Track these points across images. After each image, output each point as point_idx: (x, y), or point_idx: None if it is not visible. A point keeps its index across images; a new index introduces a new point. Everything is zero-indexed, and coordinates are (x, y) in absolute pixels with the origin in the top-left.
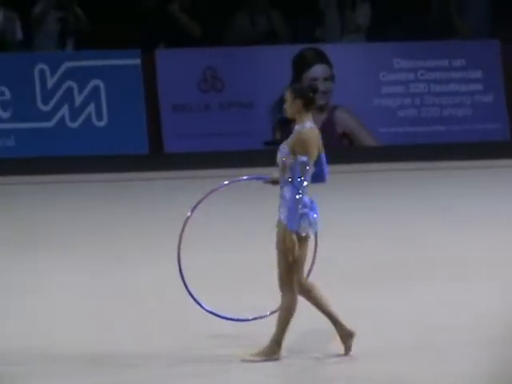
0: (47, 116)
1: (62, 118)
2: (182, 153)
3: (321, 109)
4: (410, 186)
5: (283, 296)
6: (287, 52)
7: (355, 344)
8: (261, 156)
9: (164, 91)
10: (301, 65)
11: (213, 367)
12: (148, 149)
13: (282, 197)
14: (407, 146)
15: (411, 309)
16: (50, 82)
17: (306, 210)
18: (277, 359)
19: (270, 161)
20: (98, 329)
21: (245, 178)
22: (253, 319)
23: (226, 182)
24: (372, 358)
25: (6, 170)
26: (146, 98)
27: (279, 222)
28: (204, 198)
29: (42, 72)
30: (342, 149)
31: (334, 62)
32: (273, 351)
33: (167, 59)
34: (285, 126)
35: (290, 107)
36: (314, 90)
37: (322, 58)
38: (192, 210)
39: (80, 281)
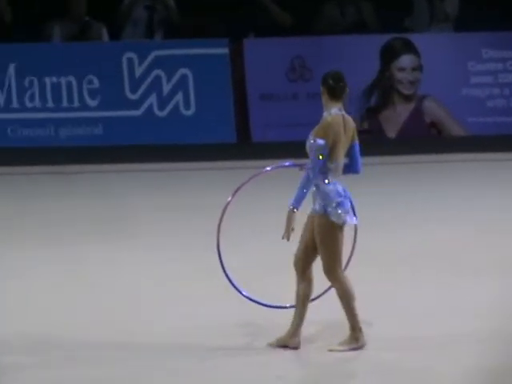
0: (135, 104)
1: (150, 107)
2: (270, 142)
3: (409, 98)
4: (498, 175)
5: (334, 286)
6: (375, 41)
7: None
8: None
9: (252, 80)
10: (389, 54)
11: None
12: (236, 138)
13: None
14: (496, 135)
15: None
16: (138, 71)
17: (341, 199)
18: (361, 346)
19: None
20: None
21: (287, 163)
22: (290, 307)
23: (269, 168)
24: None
25: (94, 158)
26: (234, 87)
27: (313, 212)
28: (246, 182)
29: (130, 61)
30: (431, 138)
31: (422, 51)
32: (355, 339)
33: (255, 48)
34: (372, 115)
35: (321, 94)
36: (335, 78)
37: (410, 48)
38: (233, 195)
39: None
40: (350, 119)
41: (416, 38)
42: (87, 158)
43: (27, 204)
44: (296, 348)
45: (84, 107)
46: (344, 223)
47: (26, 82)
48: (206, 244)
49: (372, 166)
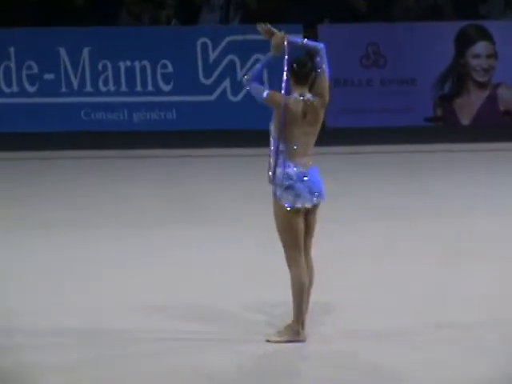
0: (209, 89)
1: (224, 92)
2: (343, 128)
3: (483, 86)
4: None
5: (290, 272)
6: (450, 28)
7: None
8: (422, 132)
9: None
10: (463, 41)
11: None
12: None
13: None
14: None
15: None
16: (212, 56)
17: (290, 182)
18: (302, 341)
19: (432, 137)
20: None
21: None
22: None
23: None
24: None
25: (167, 143)
26: None
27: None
28: None
29: (204, 46)
30: (505, 126)
31: (496, 38)
32: (295, 332)
33: (329, 34)
34: (446, 102)
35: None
36: (299, 63)
37: (484, 35)
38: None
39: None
40: (314, 104)
41: (491, 25)
42: (160, 143)
43: (100, 188)
44: (302, 341)
45: (158, 92)
46: (292, 207)
47: (100, 66)
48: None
49: (446, 153)
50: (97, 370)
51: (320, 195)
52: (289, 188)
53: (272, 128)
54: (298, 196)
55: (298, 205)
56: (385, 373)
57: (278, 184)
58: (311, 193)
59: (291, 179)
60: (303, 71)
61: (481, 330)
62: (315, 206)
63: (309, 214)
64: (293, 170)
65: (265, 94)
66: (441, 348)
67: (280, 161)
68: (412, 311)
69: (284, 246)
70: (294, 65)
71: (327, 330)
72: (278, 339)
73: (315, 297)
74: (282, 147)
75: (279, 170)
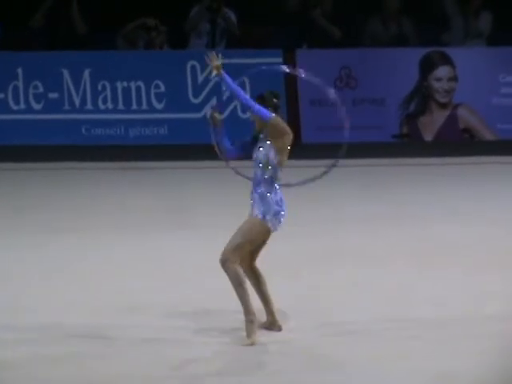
0: (197, 108)
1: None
2: (319, 143)
3: (445, 106)
4: None
5: (227, 272)
6: (415, 54)
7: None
8: (390, 147)
9: (303, 87)
10: (427, 66)
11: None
12: None
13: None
14: None
15: None
16: (201, 77)
17: (278, 208)
18: (252, 344)
19: (398, 152)
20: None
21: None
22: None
23: None
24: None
25: (159, 156)
26: (287, 94)
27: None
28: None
29: (193, 68)
30: (464, 142)
31: (457, 63)
32: (249, 320)
33: (307, 58)
34: (411, 120)
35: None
36: (277, 97)
37: (446, 60)
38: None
39: None
40: None
41: (452, 52)
42: (153, 155)
43: (99, 196)
44: (279, 330)
45: (151, 109)
46: (274, 230)
47: (99, 86)
48: None
49: (410, 167)
50: (92, 362)
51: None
52: (277, 214)
53: (268, 157)
54: (279, 221)
55: (277, 228)
56: (352, 364)
57: (267, 208)
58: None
59: (279, 205)
60: (279, 103)
61: (443, 326)
62: None
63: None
64: (279, 196)
65: (271, 115)
66: (404, 342)
67: (276, 186)
68: (380, 309)
69: (237, 245)
70: (275, 100)
71: (302, 324)
72: (248, 340)
73: (295, 292)
74: (279, 173)
75: (271, 197)
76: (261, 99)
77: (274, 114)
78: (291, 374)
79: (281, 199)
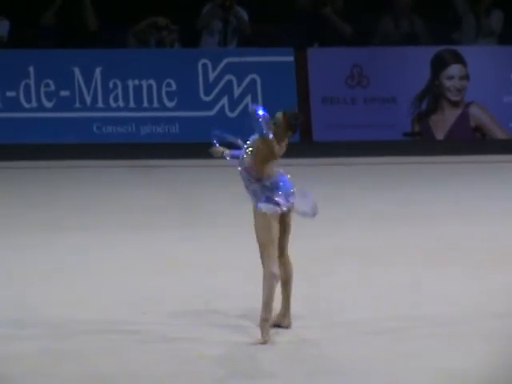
0: (208, 106)
1: (222, 108)
2: (330, 141)
3: (456, 104)
4: None
5: (263, 268)
6: (427, 53)
7: None
8: (401, 146)
9: (315, 86)
10: (438, 64)
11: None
12: (299, 137)
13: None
14: None
15: None
16: (212, 76)
17: (268, 194)
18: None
19: (410, 150)
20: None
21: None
22: None
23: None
24: None
25: (171, 154)
26: (298, 92)
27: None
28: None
29: (204, 66)
30: (475, 141)
31: (468, 62)
32: (264, 319)
33: (318, 57)
34: (423, 119)
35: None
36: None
37: (458, 59)
38: None
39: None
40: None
41: (463, 50)
42: (165, 153)
43: (109, 193)
44: (288, 327)
45: (162, 108)
46: (275, 213)
47: (111, 84)
48: None
49: (422, 165)
50: (98, 359)
51: (293, 197)
52: (267, 200)
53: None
54: (276, 204)
55: (278, 210)
56: (360, 364)
57: (258, 197)
58: (286, 197)
59: (272, 191)
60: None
61: (454, 324)
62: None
63: (284, 215)
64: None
65: (269, 135)
66: (416, 341)
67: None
68: (389, 307)
69: (260, 245)
70: (293, 121)
71: (310, 322)
72: (261, 339)
73: (302, 291)
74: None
75: (259, 186)
76: (282, 115)
77: (271, 136)
78: (301, 374)
79: (271, 184)
